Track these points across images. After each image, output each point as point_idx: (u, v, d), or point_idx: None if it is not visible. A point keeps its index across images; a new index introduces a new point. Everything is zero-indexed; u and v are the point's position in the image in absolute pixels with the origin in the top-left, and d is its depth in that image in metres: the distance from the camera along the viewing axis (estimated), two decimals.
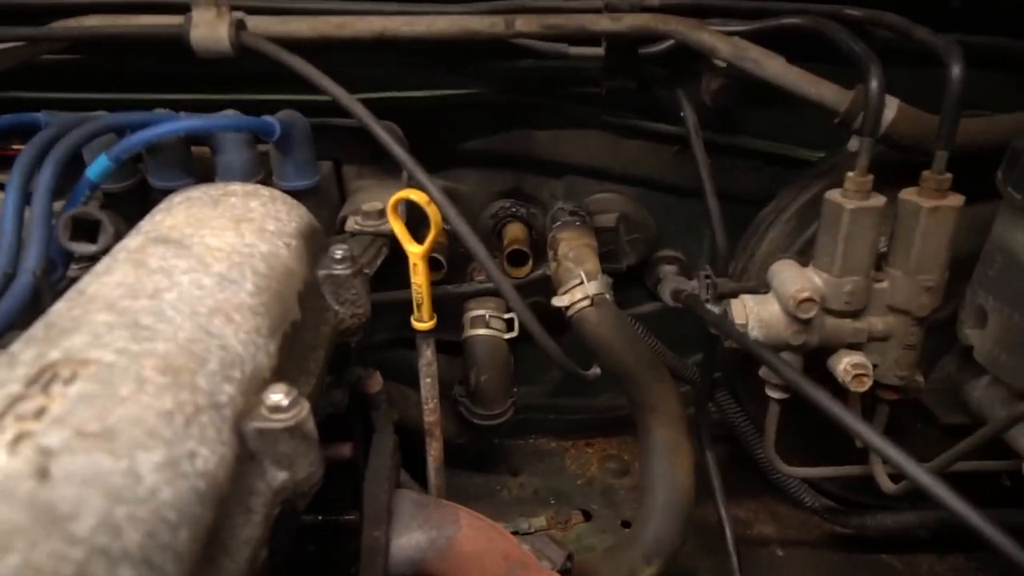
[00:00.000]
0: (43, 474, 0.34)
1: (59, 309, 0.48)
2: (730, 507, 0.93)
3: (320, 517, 0.78)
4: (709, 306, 0.66)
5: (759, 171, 0.85)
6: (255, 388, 0.48)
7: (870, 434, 0.47)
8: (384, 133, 0.62)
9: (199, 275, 0.52)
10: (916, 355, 0.64)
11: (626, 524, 0.93)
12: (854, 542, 0.88)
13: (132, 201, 0.73)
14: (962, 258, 0.62)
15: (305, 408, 0.48)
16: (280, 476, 0.48)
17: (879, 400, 0.68)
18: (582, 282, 0.73)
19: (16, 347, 0.44)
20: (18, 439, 0.35)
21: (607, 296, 0.74)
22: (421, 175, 0.60)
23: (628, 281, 0.91)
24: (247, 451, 0.46)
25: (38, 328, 0.46)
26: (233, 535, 0.43)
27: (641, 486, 0.77)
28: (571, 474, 1.00)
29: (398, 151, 0.61)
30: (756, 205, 0.83)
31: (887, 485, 0.69)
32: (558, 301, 0.75)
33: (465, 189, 0.89)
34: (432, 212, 0.63)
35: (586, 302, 0.73)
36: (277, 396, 0.47)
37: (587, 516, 0.93)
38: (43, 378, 0.40)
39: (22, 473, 0.34)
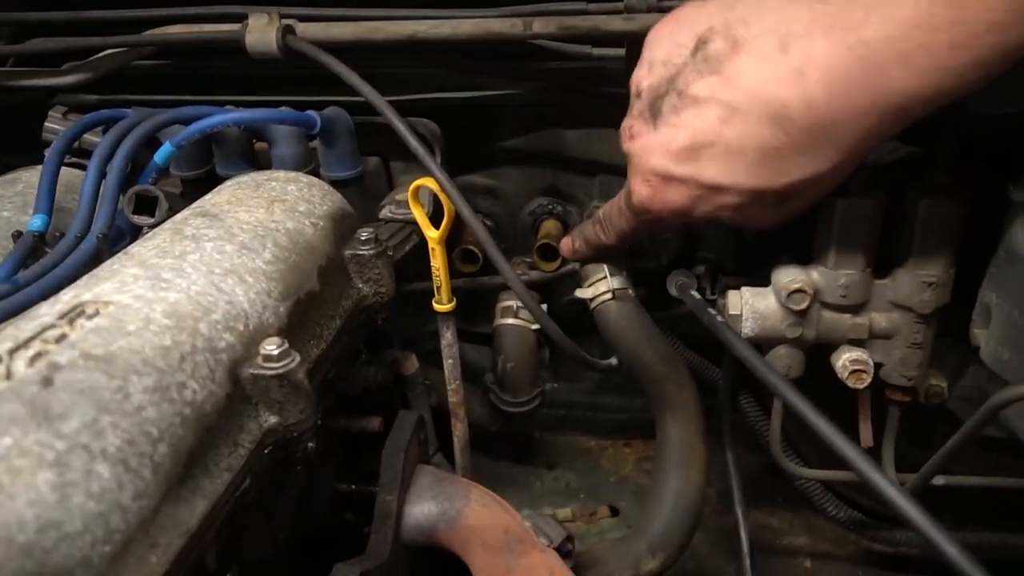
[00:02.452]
0: (47, 382, 0.41)
1: (106, 264, 0.57)
2: (762, 515, 0.91)
3: (354, 487, 0.84)
4: (711, 297, 0.66)
5: None
6: (258, 341, 0.55)
7: (820, 422, 0.47)
8: (404, 127, 0.67)
9: (223, 243, 0.60)
10: (924, 355, 0.62)
11: None
12: (889, 561, 0.84)
13: (204, 187, 0.82)
14: None
15: (295, 360, 0.54)
16: (271, 419, 0.54)
17: (890, 402, 0.66)
18: (606, 276, 0.75)
19: (65, 290, 0.53)
20: (37, 356, 0.43)
21: (629, 291, 0.76)
22: (431, 164, 0.65)
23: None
24: (242, 393, 0.53)
25: (85, 278, 0.55)
26: (217, 462, 0.49)
27: (653, 481, 0.77)
28: (606, 472, 1.01)
29: (413, 142, 0.66)
30: None
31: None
32: (582, 293, 0.78)
33: (507, 186, 0.93)
34: (445, 200, 0.68)
35: (608, 295, 0.75)
36: (270, 347, 0.53)
37: (614, 512, 0.94)
38: (72, 313, 0.48)
39: (31, 379, 0.41)
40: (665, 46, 0.55)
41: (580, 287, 0.78)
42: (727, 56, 0.49)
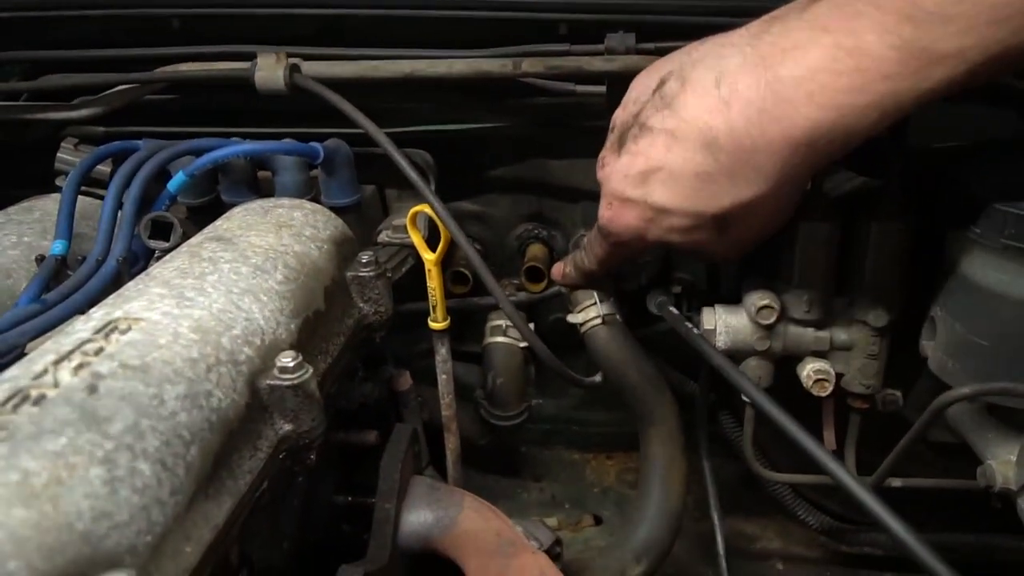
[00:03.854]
0: (92, 389, 0.46)
1: (130, 285, 0.61)
2: (738, 522, 0.97)
3: (350, 499, 0.88)
4: (687, 314, 0.72)
5: None
6: (273, 354, 0.59)
7: (794, 429, 0.52)
8: (402, 159, 0.73)
9: (239, 265, 0.64)
10: (879, 365, 0.68)
11: None
12: (857, 560, 0.90)
13: (210, 213, 0.86)
14: None
15: (309, 372, 0.58)
16: (286, 427, 0.59)
17: (851, 409, 0.72)
18: (595, 303, 0.80)
19: (95, 308, 0.57)
20: (80, 366, 0.47)
21: (617, 316, 0.81)
22: (428, 193, 0.71)
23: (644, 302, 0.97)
24: (260, 402, 0.57)
25: (113, 297, 0.59)
26: (239, 464, 0.53)
27: (637, 493, 0.82)
28: (589, 483, 1.06)
29: (411, 173, 0.72)
30: None
31: None
32: (572, 318, 0.82)
33: (495, 212, 0.99)
34: (441, 225, 0.74)
35: (598, 320, 0.80)
36: (286, 359, 0.58)
37: (598, 521, 0.99)
38: (106, 329, 0.52)
39: (78, 387, 0.45)
40: (638, 88, 0.62)
41: (571, 312, 0.82)
42: (677, 92, 0.56)
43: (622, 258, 0.71)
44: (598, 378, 0.84)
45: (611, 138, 0.64)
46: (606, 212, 0.63)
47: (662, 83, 0.59)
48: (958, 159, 0.64)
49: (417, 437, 0.83)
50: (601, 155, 0.66)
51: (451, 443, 0.90)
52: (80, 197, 0.81)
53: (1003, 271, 0.55)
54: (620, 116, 0.64)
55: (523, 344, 0.95)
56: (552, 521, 0.99)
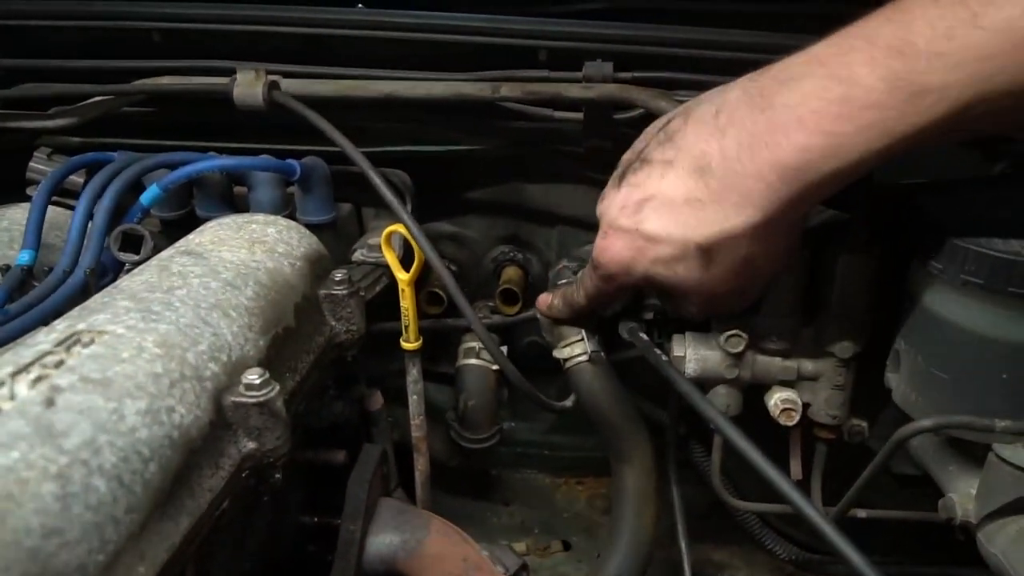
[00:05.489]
0: (49, 403, 0.45)
1: (96, 297, 0.60)
2: (705, 549, 0.97)
3: (316, 519, 0.87)
4: (658, 341, 0.73)
5: None
6: (240, 371, 0.59)
7: (755, 456, 0.53)
8: (378, 178, 0.73)
9: (208, 279, 0.64)
10: (845, 395, 0.68)
11: None
12: None
13: (184, 228, 0.85)
14: None
15: (275, 390, 0.58)
16: (250, 445, 0.58)
17: (817, 439, 0.73)
18: (582, 339, 0.79)
19: (58, 320, 0.56)
20: (38, 379, 0.47)
21: (603, 354, 0.80)
22: (402, 212, 0.71)
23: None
24: (224, 420, 0.56)
25: (77, 309, 0.58)
26: (200, 483, 0.53)
27: (610, 526, 0.82)
28: (559, 508, 1.05)
29: (386, 192, 0.72)
30: None
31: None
32: (558, 353, 0.80)
33: (471, 234, 1.00)
34: (415, 246, 0.74)
35: (584, 357, 0.78)
36: (252, 376, 0.57)
37: (567, 547, 0.99)
38: (68, 341, 0.51)
39: (34, 400, 0.45)
40: (647, 131, 0.64)
41: (555, 347, 0.81)
42: (680, 127, 0.58)
43: (608, 296, 0.70)
44: (569, 403, 0.83)
45: (614, 174, 0.65)
46: (600, 242, 0.64)
47: (667, 122, 0.61)
48: (925, 194, 0.65)
49: (386, 458, 0.83)
50: (604, 190, 0.66)
51: (421, 464, 0.89)
52: (52, 208, 0.81)
53: (963, 306, 0.56)
54: (626, 156, 0.65)
55: (496, 366, 0.95)
56: (521, 546, 0.99)
